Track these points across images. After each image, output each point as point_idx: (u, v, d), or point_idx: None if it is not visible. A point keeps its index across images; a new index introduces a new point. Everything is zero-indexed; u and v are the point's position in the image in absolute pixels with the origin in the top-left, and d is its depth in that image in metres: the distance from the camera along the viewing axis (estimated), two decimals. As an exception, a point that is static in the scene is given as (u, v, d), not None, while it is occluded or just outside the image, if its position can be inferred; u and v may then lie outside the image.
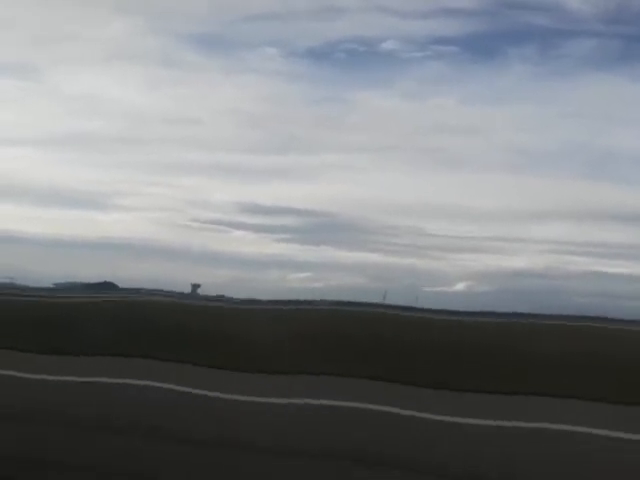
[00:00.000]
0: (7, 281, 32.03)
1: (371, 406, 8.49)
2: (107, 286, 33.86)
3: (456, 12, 57.51)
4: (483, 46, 60.32)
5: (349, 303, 18.90)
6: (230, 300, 20.93)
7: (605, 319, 13.99)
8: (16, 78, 66.92)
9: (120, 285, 32.44)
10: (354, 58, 59.67)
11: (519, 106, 61.28)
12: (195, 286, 25.02)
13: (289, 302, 19.02)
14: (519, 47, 58.36)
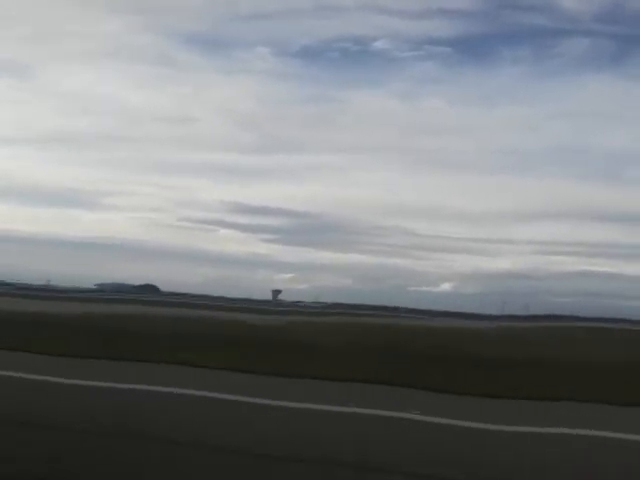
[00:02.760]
0: (48, 283, 32.92)
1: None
2: (150, 289, 33.91)
3: (449, 12, 60.92)
4: (476, 46, 64.92)
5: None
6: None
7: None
8: (9, 76, 70.84)
9: (162, 288, 33.21)
10: (346, 57, 63.47)
11: (510, 107, 67.08)
12: (276, 292, 23.93)
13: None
14: (512, 47, 63.86)
